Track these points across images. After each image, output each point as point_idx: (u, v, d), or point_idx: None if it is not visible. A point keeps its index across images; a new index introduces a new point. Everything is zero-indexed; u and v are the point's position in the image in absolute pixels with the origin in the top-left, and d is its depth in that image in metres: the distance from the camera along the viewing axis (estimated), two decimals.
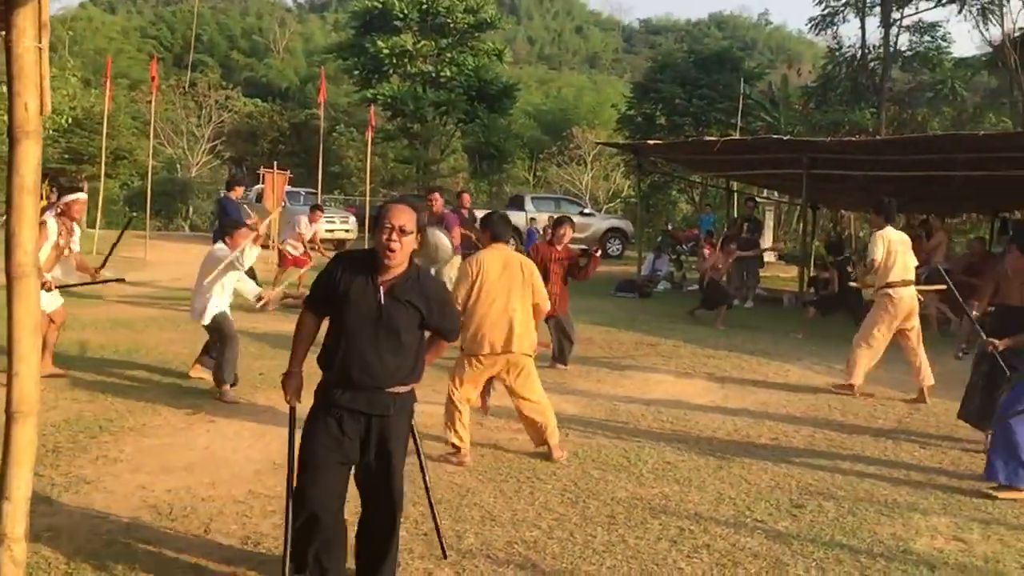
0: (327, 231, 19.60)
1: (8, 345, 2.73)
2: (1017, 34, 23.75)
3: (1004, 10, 25.28)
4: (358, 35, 33.20)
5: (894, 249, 7.79)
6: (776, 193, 23.82)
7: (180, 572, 3.83)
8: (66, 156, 29.88)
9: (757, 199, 20.33)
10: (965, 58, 27.90)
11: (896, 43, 27.17)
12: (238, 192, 11.77)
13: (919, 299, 8.05)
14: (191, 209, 35.70)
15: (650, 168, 22.29)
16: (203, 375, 7.35)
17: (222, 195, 11.96)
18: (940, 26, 27.48)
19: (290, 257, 12.96)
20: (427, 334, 3.67)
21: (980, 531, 4.71)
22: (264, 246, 11.94)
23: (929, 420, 7.24)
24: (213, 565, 3.90)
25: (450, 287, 10.20)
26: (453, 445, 5.55)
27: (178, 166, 39.29)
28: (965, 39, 67.73)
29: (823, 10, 28.35)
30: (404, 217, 3.41)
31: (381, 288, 3.41)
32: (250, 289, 7.53)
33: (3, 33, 2.80)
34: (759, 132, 25.52)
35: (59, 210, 7.28)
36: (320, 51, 53.34)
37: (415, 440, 3.80)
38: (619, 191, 38.19)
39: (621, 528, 4.54)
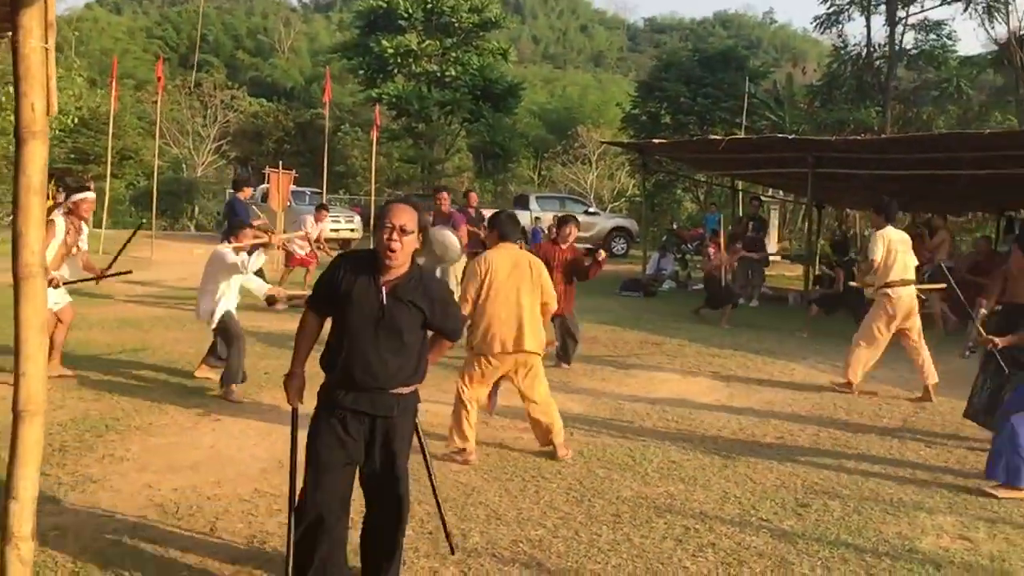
0: (332, 230, 19.62)
1: (15, 344, 2.74)
2: (1023, 32, 23.69)
3: (1010, 8, 25.26)
4: (363, 35, 33.22)
5: (894, 249, 7.78)
6: (781, 192, 23.79)
7: (186, 571, 3.84)
8: (72, 156, 29.94)
9: (762, 198, 20.31)
10: (971, 56, 27.83)
11: (901, 41, 27.15)
12: (247, 192, 11.81)
13: (921, 298, 8.04)
14: (197, 209, 35.75)
15: (655, 167, 22.27)
16: (209, 375, 7.36)
17: (231, 195, 12.01)
18: (945, 24, 27.33)
19: (297, 256, 12.99)
20: (429, 334, 3.67)
21: (986, 530, 4.70)
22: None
23: (935, 419, 7.23)
24: (219, 564, 3.91)
25: (454, 286, 10.29)
26: (458, 447, 5.56)
27: (184, 166, 39.35)
28: (970, 37, 67.80)
29: (828, 8, 28.31)
30: (405, 216, 3.40)
31: (383, 288, 3.40)
32: (257, 287, 7.54)
33: (10, 34, 2.81)
34: (764, 131, 25.50)
35: (67, 209, 7.30)
36: (325, 51, 53.38)
37: (419, 438, 3.81)
38: (624, 190, 38.15)
39: (626, 527, 4.54)
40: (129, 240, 7.61)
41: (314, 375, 3.53)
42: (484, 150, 33.66)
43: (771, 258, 19.51)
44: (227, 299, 7.12)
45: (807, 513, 4.86)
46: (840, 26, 28.50)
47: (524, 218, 22.06)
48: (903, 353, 8.10)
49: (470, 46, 32.46)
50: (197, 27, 61.50)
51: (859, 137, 17.52)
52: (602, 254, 8.11)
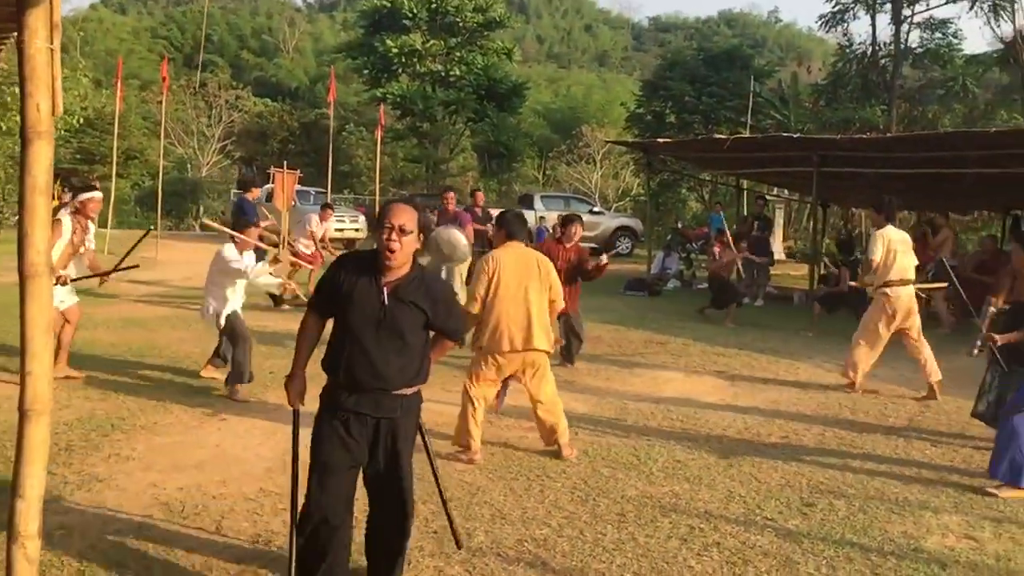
0: (337, 230, 19.63)
1: (21, 344, 2.74)
2: None
3: (1016, 6, 25.16)
4: (367, 34, 33.24)
5: (893, 248, 7.78)
6: (786, 191, 23.77)
7: (191, 569, 3.85)
8: (78, 156, 30.03)
9: (767, 197, 20.28)
10: (976, 55, 27.76)
11: (907, 40, 27.04)
12: (255, 193, 11.84)
13: (922, 296, 8.02)
14: (202, 208, 35.79)
15: (660, 166, 22.28)
16: (215, 375, 7.38)
17: (239, 196, 12.04)
18: (951, 23, 27.22)
19: (303, 255, 12.98)
20: (432, 334, 3.65)
21: (992, 529, 4.70)
22: (274, 244, 11.98)
23: (940, 418, 7.22)
24: (224, 563, 3.92)
25: (459, 286, 10.30)
26: (463, 444, 5.57)
27: (188, 166, 39.43)
28: (976, 36, 67.66)
29: (833, 7, 28.24)
30: (404, 216, 3.37)
31: (385, 289, 3.38)
32: (266, 283, 7.57)
33: (15, 34, 2.82)
34: (769, 130, 25.46)
35: (74, 208, 7.31)
36: (329, 50, 53.47)
37: (423, 436, 3.80)
38: (629, 189, 38.13)
39: (631, 526, 4.54)
40: (135, 246, 7.62)
41: (315, 375, 3.52)
42: (488, 150, 33.66)
43: (776, 257, 19.48)
44: (233, 299, 7.13)
45: (812, 512, 4.85)
46: (845, 25, 28.43)
47: (529, 217, 22.03)
48: (905, 352, 8.09)
49: (474, 46, 32.46)
50: (202, 27, 61.41)
51: (864, 136, 17.47)
52: (604, 259, 8.12)
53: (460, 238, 9.48)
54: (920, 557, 4.27)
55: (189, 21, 71.60)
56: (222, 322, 7.08)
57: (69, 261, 7.22)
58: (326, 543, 3.41)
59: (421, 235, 3.48)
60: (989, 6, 25.77)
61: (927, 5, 26.90)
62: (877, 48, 27.49)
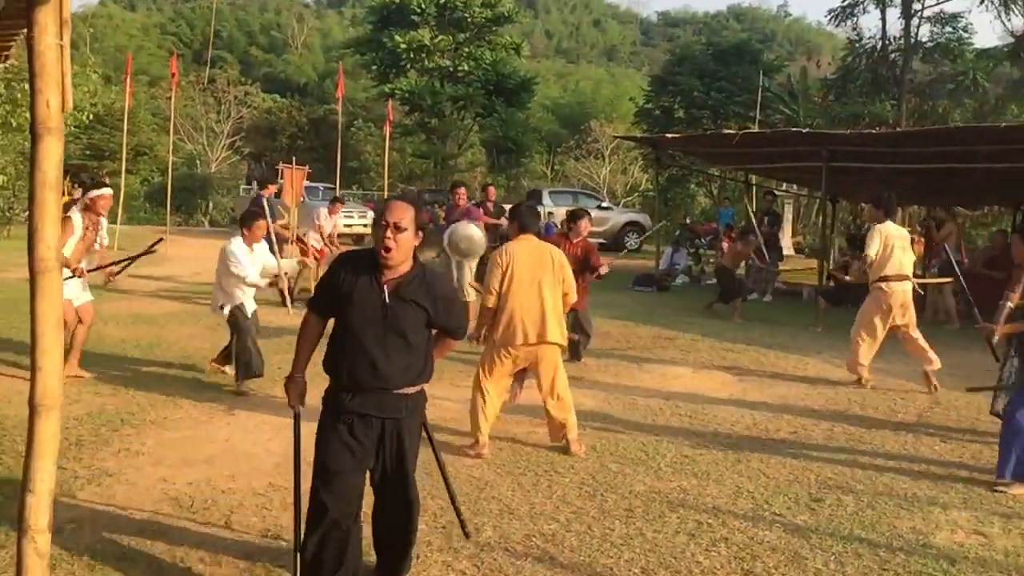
0: (346, 226, 19.64)
1: (31, 339, 2.76)
2: None
3: None
4: (375, 30, 33.21)
5: (891, 244, 7.81)
6: (795, 186, 23.69)
7: (201, 564, 3.86)
8: (87, 152, 30.12)
9: (776, 192, 20.22)
10: (987, 49, 27.58)
11: (917, 34, 26.87)
12: (271, 190, 11.87)
13: (920, 292, 8.02)
14: (211, 204, 35.89)
15: (668, 161, 22.19)
16: (224, 369, 7.40)
17: (256, 193, 12.10)
18: (962, 17, 26.92)
19: (313, 249, 12.97)
20: (433, 332, 3.62)
21: (1001, 525, 4.68)
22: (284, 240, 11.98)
23: (950, 414, 7.19)
24: (233, 557, 3.93)
25: (468, 281, 10.29)
26: (473, 437, 5.58)
27: (198, 162, 39.50)
28: (987, 30, 67.33)
29: (843, 1, 28.07)
30: (399, 213, 3.33)
31: (385, 288, 3.35)
32: (271, 266, 7.61)
33: (25, 31, 2.83)
34: (778, 125, 25.38)
35: (84, 205, 7.34)
36: (338, 46, 53.44)
37: (427, 432, 3.80)
38: (637, 185, 38.06)
39: (639, 521, 4.55)
40: (144, 253, 7.63)
41: (314, 376, 3.51)
42: (497, 145, 33.64)
43: (785, 253, 19.44)
44: (239, 293, 7.14)
45: (821, 508, 4.85)
46: (855, 19, 28.24)
47: None
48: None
49: (483, 41, 32.40)
50: (211, 23, 61.70)
51: (874, 131, 17.42)
52: (605, 269, 8.14)
53: (476, 232, 9.47)
54: (929, 553, 4.26)
55: (198, 17, 71.74)
56: (225, 313, 7.11)
57: (82, 258, 7.24)
58: (342, 547, 3.39)
59: (420, 232, 3.42)
60: (1000, 0, 25.61)
61: None
62: (887, 42, 27.35)
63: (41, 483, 2.76)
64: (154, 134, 34.35)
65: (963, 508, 4.93)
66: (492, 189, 13.97)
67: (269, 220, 11.24)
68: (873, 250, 7.80)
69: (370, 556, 3.65)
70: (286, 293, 8.33)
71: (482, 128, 33.64)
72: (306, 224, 13.52)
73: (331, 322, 3.55)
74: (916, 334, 7.96)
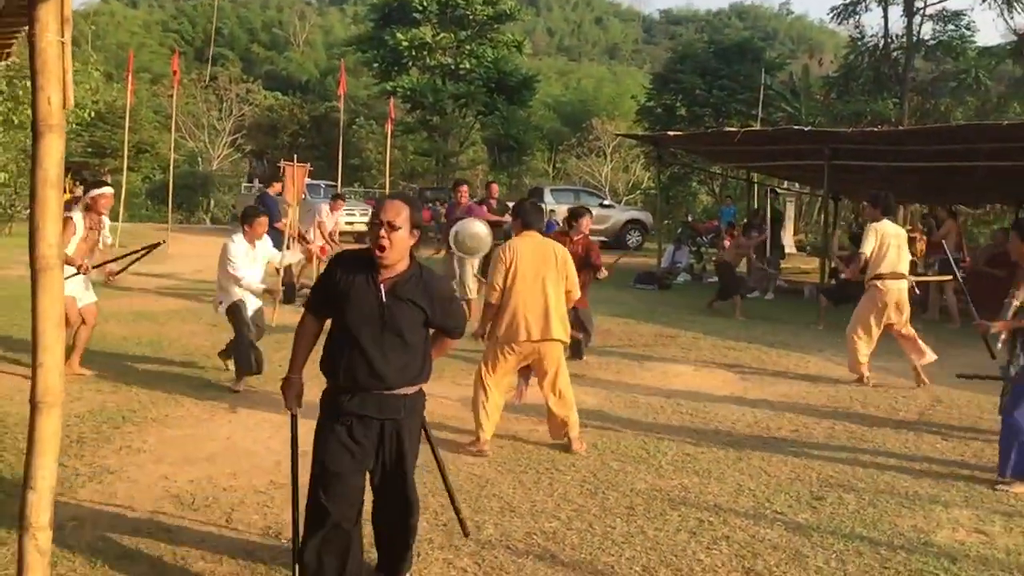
0: (347, 223, 19.62)
1: (33, 336, 2.76)
2: None
3: None
4: (377, 28, 33.26)
5: (887, 242, 7.84)
6: (797, 184, 23.68)
7: (202, 562, 3.86)
8: (89, 150, 30.13)
9: (778, 190, 20.21)
10: (989, 47, 27.57)
11: (919, 32, 26.87)
12: (276, 188, 11.87)
13: (917, 292, 8.04)
14: (212, 202, 35.93)
15: (670, 159, 22.21)
16: (229, 364, 7.37)
17: (260, 190, 12.12)
18: (964, 15, 26.88)
19: (318, 247, 12.94)
20: (431, 332, 3.59)
21: (1002, 523, 4.68)
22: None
23: (952, 412, 7.19)
24: (234, 555, 3.93)
25: (470, 279, 10.29)
26: (475, 434, 5.58)
27: (199, 159, 39.54)
28: (989, 27, 67.20)
29: None
30: (393, 212, 3.30)
31: (382, 287, 3.32)
32: (275, 259, 7.61)
33: (26, 28, 2.83)
34: (780, 123, 25.38)
35: (85, 205, 7.33)
36: (340, 44, 53.46)
37: (426, 432, 3.78)
38: (639, 183, 38.07)
39: (640, 519, 4.54)
40: (144, 254, 7.62)
41: (313, 376, 3.50)
42: (499, 143, 33.66)
43: (786, 251, 19.43)
44: (238, 289, 7.13)
45: (822, 506, 4.84)
46: (857, 17, 28.24)
47: None
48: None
49: (484, 39, 32.42)
50: (212, 21, 61.64)
51: (876, 129, 17.41)
52: (604, 273, 8.15)
53: (482, 229, 9.46)
54: (930, 551, 4.26)
55: (200, 15, 71.73)
56: (222, 310, 7.10)
57: (86, 258, 7.22)
58: (344, 549, 3.37)
59: (416, 231, 3.38)
60: None
61: None
62: (889, 40, 27.34)
63: (42, 480, 2.76)
64: (156, 132, 34.38)
65: (964, 506, 4.92)
66: (495, 186, 13.95)
67: (282, 218, 11.27)
68: (868, 248, 7.84)
69: (370, 554, 3.65)
70: (277, 300, 8.25)
71: (484, 126, 33.66)
72: (306, 222, 13.48)
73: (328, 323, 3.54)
74: (909, 331, 8.00)
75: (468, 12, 31.34)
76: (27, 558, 2.74)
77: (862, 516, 4.70)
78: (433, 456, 3.99)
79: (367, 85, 40.55)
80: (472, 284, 10.45)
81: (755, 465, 5.55)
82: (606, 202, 25.85)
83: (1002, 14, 26.16)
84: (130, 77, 20.37)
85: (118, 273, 7.65)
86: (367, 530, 3.60)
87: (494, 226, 11.40)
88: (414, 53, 31.23)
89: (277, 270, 9.23)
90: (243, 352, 6.95)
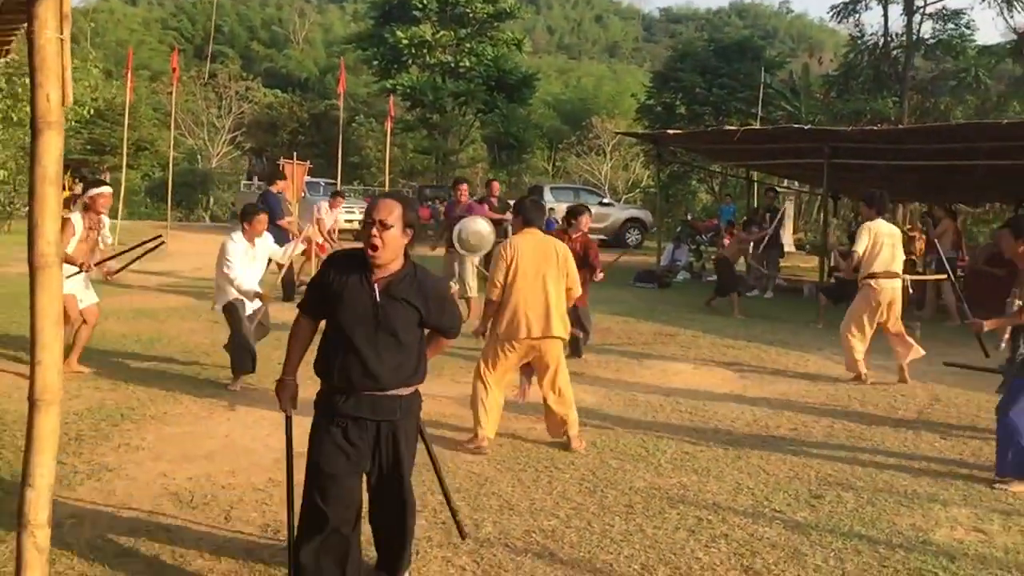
0: (347, 221, 19.62)
1: (31, 334, 2.75)
2: None
3: None
4: (377, 25, 33.22)
5: (880, 241, 7.89)
6: (797, 183, 23.68)
7: (200, 559, 3.86)
8: (88, 147, 30.12)
9: (777, 189, 20.21)
10: (989, 46, 27.56)
11: (919, 31, 26.86)
12: (279, 186, 11.87)
13: (910, 291, 8.07)
14: (211, 200, 35.92)
15: (670, 158, 22.19)
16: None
17: (263, 188, 12.12)
18: (964, 13, 26.88)
19: (317, 244, 12.94)
20: (426, 332, 3.55)
21: (1000, 522, 4.68)
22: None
23: (950, 411, 7.19)
24: (233, 553, 3.93)
25: (470, 277, 10.29)
26: (473, 431, 5.58)
27: (199, 157, 39.52)
28: (989, 26, 67.25)
29: None
30: (385, 211, 3.27)
31: (376, 286, 3.29)
32: (276, 255, 7.58)
33: (25, 25, 2.82)
34: (780, 121, 25.38)
35: (84, 205, 7.32)
36: (339, 41, 53.45)
37: (423, 435, 3.76)
38: (638, 181, 38.05)
39: (639, 518, 4.55)
40: (145, 252, 7.61)
41: (308, 377, 3.49)
42: (498, 141, 33.61)
43: (786, 249, 19.43)
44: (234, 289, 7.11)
45: (820, 504, 4.85)
46: (857, 15, 28.24)
47: None
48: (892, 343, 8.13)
49: (484, 36, 32.38)
50: (212, 18, 61.66)
51: (876, 127, 17.41)
52: (600, 276, 8.16)
53: (485, 226, 9.46)
54: (928, 550, 4.26)
55: (199, 12, 71.70)
56: (218, 309, 7.09)
57: (85, 258, 7.20)
58: (342, 553, 3.35)
59: (410, 229, 3.34)
60: None
61: None
62: (889, 39, 27.34)
63: (41, 478, 2.76)
64: (155, 129, 34.38)
65: (963, 505, 4.93)
66: (496, 184, 13.94)
67: (289, 216, 11.27)
68: (861, 247, 7.90)
69: (368, 552, 3.64)
70: (265, 302, 8.21)
71: (483, 124, 33.63)
72: (305, 219, 13.50)
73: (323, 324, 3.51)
74: (899, 328, 8.07)
75: (468, 10, 31.29)
76: (25, 555, 2.74)
77: (861, 514, 4.70)
78: (429, 457, 3.98)
79: (367, 83, 40.53)
80: (472, 282, 10.45)
81: (754, 463, 5.55)
82: (606, 200, 25.83)
83: (1002, 13, 26.19)
84: (129, 74, 20.37)
85: (117, 272, 7.63)
86: (364, 527, 3.60)
87: (495, 224, 11.40)
88: (414, 51, 31.18)
89: (280, 266, 9.22)
90: (239, 352, 6.95)
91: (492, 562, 3.94)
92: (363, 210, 17.33)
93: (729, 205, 21.43)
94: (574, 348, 8.62)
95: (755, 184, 22.24)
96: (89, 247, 7.23)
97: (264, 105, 43.23)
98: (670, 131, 18.71)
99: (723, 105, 28.45)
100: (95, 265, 7.37)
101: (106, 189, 7.47)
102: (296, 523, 3.43)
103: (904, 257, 8.23)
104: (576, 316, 8.50)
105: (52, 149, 2.71)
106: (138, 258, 7.59)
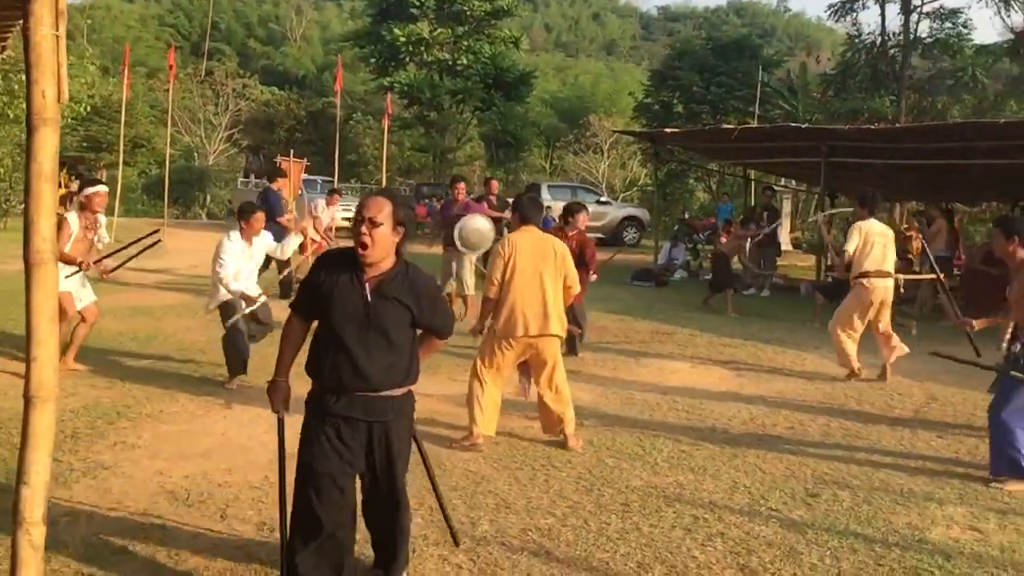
0: (344, 219, 19.59)
1: (27, 331, 2.75)
2: None
3: None
4: (375, 23, 33.21)
5: (871, 241, 7.94)
6: (794, 182, 23.70)
7: (196, 557, 3.86)
8: (85, 144, 30.04)
9: (775, 188, 20.22)
10: (986, 45, 27.58)
11: (916, 30, 26.90)
12: (279, 183, 11.84)
13: (901, 290, 8.11)
14: (208, 197, 35.88)
15: (667, 156, 22.20)
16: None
17: (264, 186, 12.10)
18: (961, 12, 26.92)
19: (315, 242, 12.90)
20: (419, 332, 3.51)
21: (996, 521, 4.69)
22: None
23: (947, 409, 7.20)
24: (229, 551, 3.93)
25: (468, 275, 10.28)
26: (468, 429, 5.58)
27: (195, 154, 39.46)
28: (986, 26, 67.34)
29: None
30: (375, 208, 3.23)
31: (367, 285, 3.25)
32: (274, 252, 7.54)
33: (21, 22, 2.82)
34: (777, 120, 25.39)
35: (80, 204, 7.29)
36: (337, 39, 53.42)
37: (416, 440, 3.74)
38: (636, 179, 38.04)
39: (635, 516, 4.55)
40: (143, 250, 7.59)
41: (299, 374, 3.48)
42: (496, 139, 33.60)
43: (783, 248, 19.45)
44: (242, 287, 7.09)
45: (817, 503, 4.85)
46: (855, 14, 28.29)
47: None
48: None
49: (482, 34, 32.38)
50: (208, 15, 61.54)
51: (873, 126, 17.42)
52: (594, 277, 8.16)
53: (486, 224, 9.45)
54: (924, 548, 4.26)
55: (196, 9, 71.58)
56: (212, 306, 7.07)
57: (82, 257, 7.18)
58: (338, 557, 3.34)
59: (401, 227, 3.30)
60: None
61: None
62: (887, 38, 27.36)
63: (36, 475, 2.75)
64: (152, 126, 34.28)
65: (959, 504, 4.93)
66: (495, 183, 13.93)
67: (288, 214, 11.25)
68: (851, 246, 7.95)
69: (366, 549, 3.64)
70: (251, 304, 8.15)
71: (481, 122, 33.62)
72: (301, 214, 13.47)
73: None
74: (888, 328, 8.13)
75: (465, 8, 31.29)
76: (20, 553, 2.74)
77: (857, 513, 4.71)
78: (424, 465, 3.97)
79: (364, 80, 40.51)
80: (470, 280, 10.44)
81: (750, 462, 5.56)
82: (603, 199, 25.82)
83: (999, 12, 26.22)
84: (126, 71, 20.36)
85: (114, 269, 7.60)
86: (361, 527, 3.59)
87: (494, 222, 11.40)
88: (411, 49, 31.18)
89: (281, 265, 9.19)
90: (233, 352, 6.94)
91: (489, 560, 3.94)
92: None
93: (726, 204, 21.46)
94: (570, 346, 8.62)
95: (752, 183, 22.24)
96: (86, 247, 7.20)
97: (261, 102, 43.19)
98: (668, 129, 18.70)
99: (721, 104, 28.45)
100: (94, 264, 7.34)
101: (102, 188, 7.43)
102: (288, 524, 3.41)
103: (895, 257, 8.27)
104: (572, 314, 8.51)
105: (48, 146, 2.70)
106: (136, 255, 7.56)
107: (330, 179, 23.16)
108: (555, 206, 21.98)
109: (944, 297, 12.06)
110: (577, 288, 5.87)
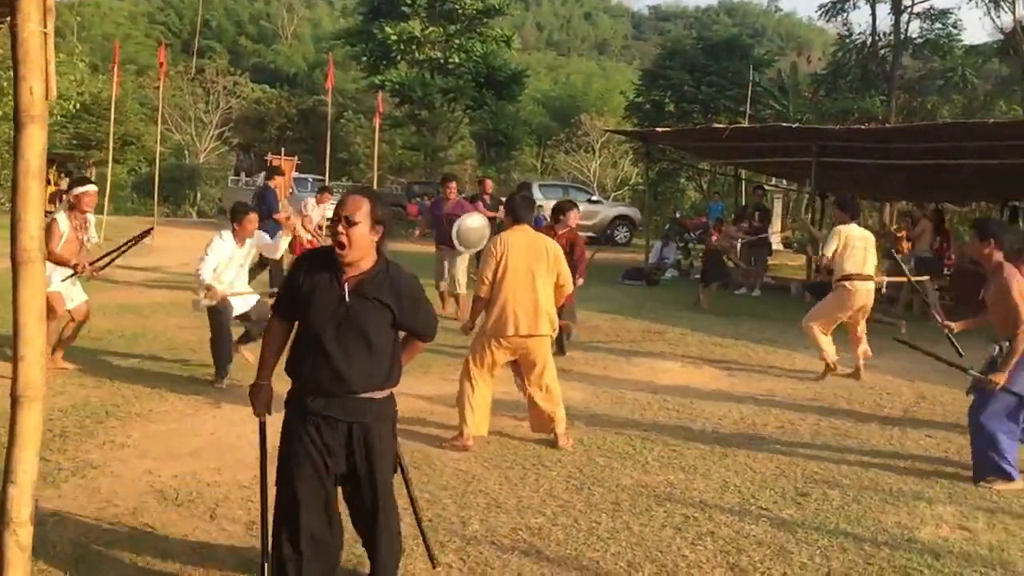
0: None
1: (14, 330, 2.73)
2: None
3: None
4: (366, 21, 33.15)
5: (851, 244, 7.98)
6: (784, 181, 23.76)
7: (186, 556, 3.84)
8: (74, 142, 29.91)
9: (766, 187, 20.26)
10: (976, 45, 27.69)
11: (907, 30, 26.97)
12: (277, 181, 11.80)
13: (881, 291, 8.17)
14: (199, 195, 35.76)
15: (658, 155, 22.24)
16: (247, 356, 7.23)
17: (263, 184, 12.06)
18: (951, 13, 27.07)
19: (307, 242, 12.85)
20: (400, 334, 3.46)
21: (985, 520, 4.70)
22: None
23: (936, 409, 7.23)
24: (218, 550, 3.92)
25: (460, 274, 10.27)
26: (459, 429, 5.57)
27: (186, 152, 39.35)
28: (976, 26, 67.57)
29: None
30: (352, 207, 3.18)
31: (346, 286, 3.19)
32: (265, 244, 7.49)
33: (9, 18, 2.80)
34: (768, 120, 25.43)
35: (69, 204, 7.24)
36: (328, 37, 53.27)
37: (399, 458, 3.65)
38: (627, 178, 38.08)
39: (626, 515, 4.55)
40: (134, 243, 7.54)
41: (280, 375, 3.45)
42: (487, 137, 33.58)
43: (773, 247, 19.49)
44: (226, 287, 7.05)
45: (807, 502, 4.86)
46: (845, 14, 28.34)
47: None
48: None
49: (474, 33, 32.34)
50: (199, 12, 61.37)
51: (863, 126, 17.47)
52: (580, 281, 8.16)
53: (480, 220, 9.43)
54: (914, 547, 4.28)
55: (187, 6, 71.33)
56: (201, 306, 7.03)
57: (74, 257, 7.13)
58: (327, 563, 3.31)
59: (380, 226, 3.24)
60: None
61: None
62: (877, 38, 27.44)
63: (23, 475, 2.74)
64: (142, 124, 34.16)
65: (948, 503, 4.95)
66: (489, 182, 13.92)
67: (285, 212, 11.22)
68: (830, 250, 8.00)
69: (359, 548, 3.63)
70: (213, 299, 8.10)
71: (472, 120, 33.58)
72: (295, 216, 13.42)
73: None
74: (863, 330, 8.23)
75: (457, 6, 31.25)
76: (7, 554, 2.72)
77: (847, 512, 4.72)
78: (403, 477, 3.91)
79: (355, 79, 40.43)
80: (462, 279, 10.43)
81: (740, 461, 5.57)
82: (594, 198, 25.83)
83: (988, 13, 26.29)
84: (116, 69, 20.23)
85: (103, 266, 7.55)
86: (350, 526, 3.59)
87: (488, 221, 11.39)
88: (403, 47, 31.13)
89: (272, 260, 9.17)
90: (220, 352, 6.91)
91: (479, 560, 3.93)
92: None
93: (717, 203, 21.46)
94: (558, 345, 8.61)
95: (743, 182, 22.28)
96: (76, 247, 7.15)
97: (252, 100, 43.07)
98: (659, 129, 18.71)
99: (712, 103, 28.49)
100: (89, 265, 7.29)
101: (91, 188, 7.36)
102: (273, 525, 3.38)
103: (884, 258, 8.34)
104: (562, 313, 8.50)
105: (35, 143, 2.69)
106: (126, 249, 7.50)
107: (321, 177, 23.08)
108: (546, 205, 22.03)
109: (935, 297, 12.18)
110: (570, 287, 5.87)
